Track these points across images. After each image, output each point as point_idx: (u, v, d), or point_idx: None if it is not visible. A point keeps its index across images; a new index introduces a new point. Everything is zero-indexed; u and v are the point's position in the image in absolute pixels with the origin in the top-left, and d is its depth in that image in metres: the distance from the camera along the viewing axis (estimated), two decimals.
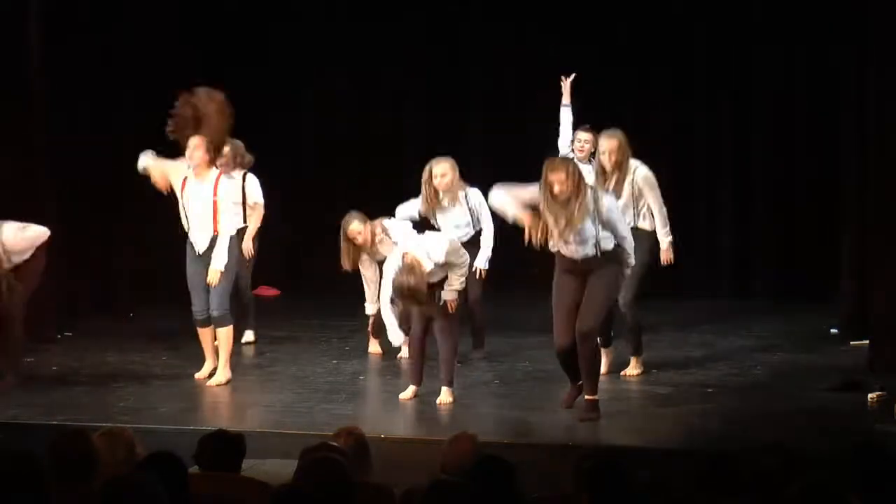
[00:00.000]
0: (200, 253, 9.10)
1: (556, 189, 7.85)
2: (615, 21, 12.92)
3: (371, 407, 8.63)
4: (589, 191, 7.99)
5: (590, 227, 7.97)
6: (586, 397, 8.25)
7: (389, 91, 13.45)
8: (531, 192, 8.02)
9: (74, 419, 7.90)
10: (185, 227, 9.14)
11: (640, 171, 9.23)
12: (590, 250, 8.02)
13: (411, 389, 8.75)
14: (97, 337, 10.82)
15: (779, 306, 12.06)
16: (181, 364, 9.83)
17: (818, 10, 12.06)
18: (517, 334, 10.70)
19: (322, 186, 13.06)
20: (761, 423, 7.96)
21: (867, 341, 9.58)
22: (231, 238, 9.15)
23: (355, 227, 9.78)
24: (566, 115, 9.76)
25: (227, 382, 9.18)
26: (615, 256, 8.11)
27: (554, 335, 8.21)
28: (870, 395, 8.40)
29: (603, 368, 9.03)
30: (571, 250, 8.03)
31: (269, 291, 12.66)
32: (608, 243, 8.05)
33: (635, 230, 8.87)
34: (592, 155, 9.42)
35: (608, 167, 9.18)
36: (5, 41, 10.61)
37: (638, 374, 9.36)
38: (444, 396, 8.62)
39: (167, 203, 10.79)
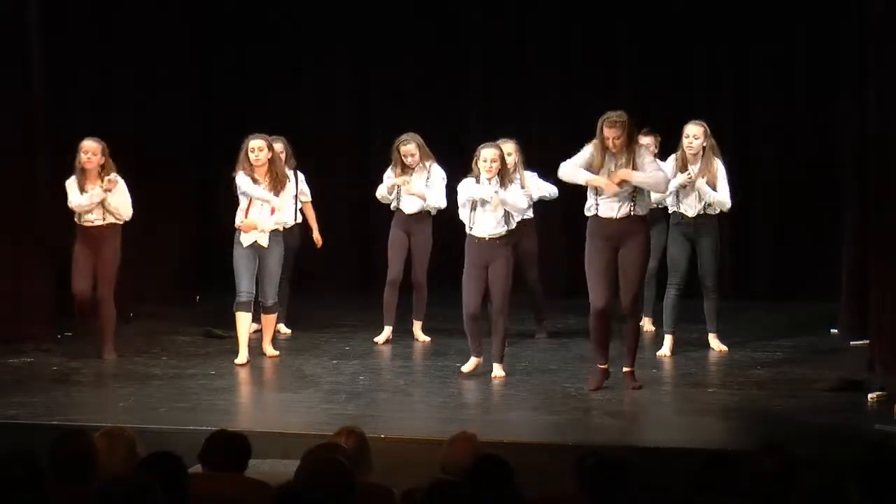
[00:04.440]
0: (258, 244, 9.71)
1: (611, 144, 8.59)
2: (615, 20, 12.94)
3: (371, 406, 8.62)
4: (640, 147, 8.78)
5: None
6: (625, 369, 8.81)
7: (389, 79, 13.46)
8: (584, 154, 8.73)
9: (74, 419, 7.90)
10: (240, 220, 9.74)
11: (719, 164, 10.00)
12: (627, 209, 8.62)
13: (473, 361, 9.32)
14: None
15: (779, 306, 12.07)
16: (181, 364, 9.84)
17: (818, 7, 12.09)
18: (517, 334, 10.70)
19: (322, 185, 13.06)
20: (761, 424, 7.96)
21: (867, 341, 9.58)
22: (280, 231, 9.87)
23: (410, 148, 10.41)
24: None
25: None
26: (642, 222, 8.75)
27: (591, 299, 8.68)
28: (870, 395, 8.41)
29: (667, 351, 9.90)
30: (611, 206, 8.62)
31: None
32: (643, 208, 8.71)
33: (705, 216, 9.96)
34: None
35: (693, 151, 9.91)
36: (5, 41, 10.62)
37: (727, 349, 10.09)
38: (497, 371, 9.24)
39: (166, 203, 10.85)
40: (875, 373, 8.98)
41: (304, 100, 13.61)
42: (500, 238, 9.19)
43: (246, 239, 9.72)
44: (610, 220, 8.63)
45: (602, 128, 8.67)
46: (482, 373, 9.42)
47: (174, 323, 11.43)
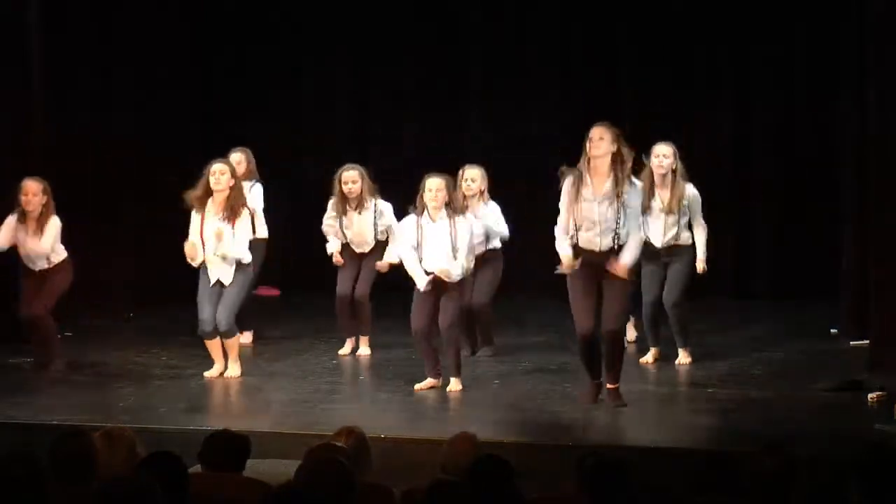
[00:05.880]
0: (213, 282, 9.29)
1: (594, 144, 8.11)
2: (615, 20, 12.95)
3: (371, 407, 8.62)
4: (627, 169, 8.20)
5: (612, 215, 8.15)
6: (609, 386, 8.45)
7: (389, 79, 13.47)
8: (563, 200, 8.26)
9: (74, 419, 7.90)
10: (202, 257, 9.24)
11: (690, 189, 9.64)
12: (609, 242, 8.18)
13: (428, 382, 8.93)
14: (97, 337, 10.83)
15: (779, 306, 12.07)
16: (181, 364, 9.84)
17: (818, 7, 12.10)
18: (517, 334, 10.71)
19: (322, 185, 13.08)
20: (761, 423, 7.96)
21: (867, 341, 9.58)
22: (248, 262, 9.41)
23: (352, 175, 10.05)
24: None
25: (241, 375, 9.44)
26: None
27: (576, 326, 8.34)
28: (870, 395, 8.40)
29: (650, 359, 9.74)
30: (593, 240, 8.19)
31: (269, 291, 12.66)
32: (624, 237, 8.23)
33: (677, 246, 9.61)
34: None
35: (662, 172, 9.57)
36: (5, 41, 10.63)
37: (689, 362, 9.73)
38: (454, 385, 8.88)
39: (165, 203, 10.82)
40: (875, 373, 8.98)
41: (304, 100, 13.61)
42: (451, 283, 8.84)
43: (212, 275, 9.29)
44: (591, 251, 8.22)
45: (590, 132, 8.20)
46: (483, 372, 9.43)
47: (174, 323, 11.42)
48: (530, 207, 11.42)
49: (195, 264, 9.25)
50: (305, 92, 13.64)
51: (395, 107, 13.36)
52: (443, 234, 8.81)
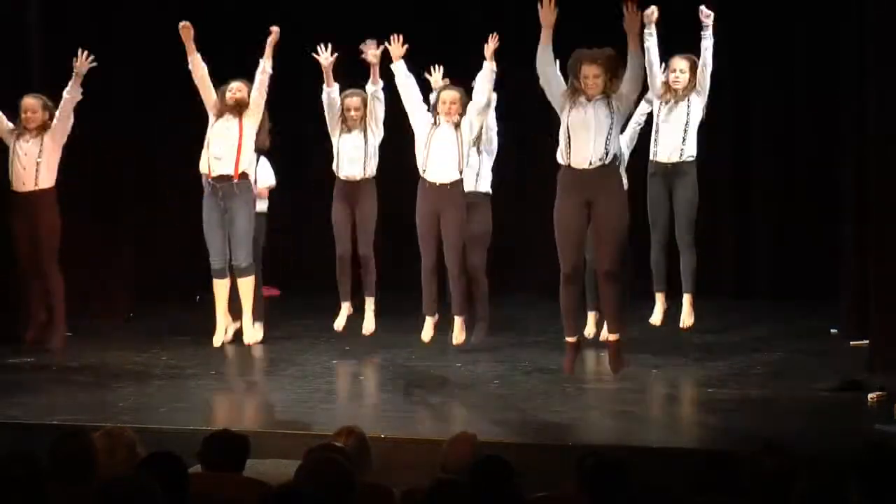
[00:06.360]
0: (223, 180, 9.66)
1: (590, 83, 8.23)
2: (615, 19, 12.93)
3: (371, 407, 8.62)
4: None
5: (607, 118, 8.14)
6: (611, 338, 8.38)
7: (389, 78, 13.45)
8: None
9: (74, 419, 7.90)
10: (205, 165, 9.81)
11: (696, 103, 9.45)
12: (600, 153, 8.09)
13: (428, 323, 9.18)
14: (97, 337, 10.82)
15: (779, 306, 12.07)
16: (181, 364, 9.84)
17: (818, 7, 12.09)
18: (517, 334, 10.70)
19: (322, 185, 13.08)
20: (761, 423, 7.96)
21: (867, 341, 9.58)
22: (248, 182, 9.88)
23: (353, 101, 10.38)
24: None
25: (263, 340, 9.75)
26: (616, 173, 8.29)
27: (561, 262, 8.28)
28: (870, 395, 8.40)
29: (658, 317, 9.55)
30: (585, 150, 8.12)
31: (269, 291, 12.65)
32: (614, 149, 8.16)
33: (683, 164, 9.38)
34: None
35: (680, 86, 9.44)
36: (5, 41, 10.63)
37: (691, 322, 9.62)
38: (457, 330, 9.32)
39: (167, 203, 10.87)
40: (875, 373, 8.98)
41: (305, 100, 13.59)
42: (452, 184, 9.12)
43: (214, 168, 9.73)
44: (583, 171, 8.16)
45: (580, 66, 8.31)
46: (482, 372, 9.43)
47: (174, 323, 11.43)
48: (529, 208, 11.42)
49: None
50: (305, 92, 13.62)
51: (396, 106, 13.31)
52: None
